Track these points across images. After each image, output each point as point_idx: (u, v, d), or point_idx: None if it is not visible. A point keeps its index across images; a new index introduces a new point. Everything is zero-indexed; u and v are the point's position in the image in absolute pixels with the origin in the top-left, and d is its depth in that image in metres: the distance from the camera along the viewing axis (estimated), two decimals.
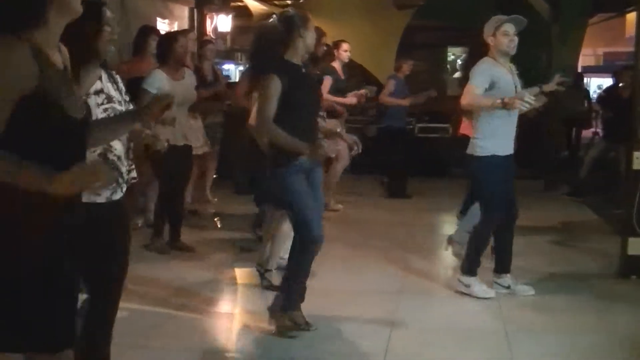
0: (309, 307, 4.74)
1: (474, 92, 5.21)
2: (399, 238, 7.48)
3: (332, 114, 8.22)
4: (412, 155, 10.31)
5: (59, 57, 2.42)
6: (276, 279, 5.43)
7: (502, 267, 5.62)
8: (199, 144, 7.24)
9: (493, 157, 5.30)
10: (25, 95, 2.23)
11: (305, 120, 4.59)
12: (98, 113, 3.40)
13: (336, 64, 8.59)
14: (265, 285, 5.54)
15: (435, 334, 4.77)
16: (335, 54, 8.56)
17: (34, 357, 2.40)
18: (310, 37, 4.59)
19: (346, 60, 8.75)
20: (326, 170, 8.63)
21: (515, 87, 5.41)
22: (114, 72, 3.67)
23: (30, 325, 2.31)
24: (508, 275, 5.60)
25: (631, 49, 8.82)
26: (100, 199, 3.42)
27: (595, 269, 6.41)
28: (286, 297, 4.65)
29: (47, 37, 2.33)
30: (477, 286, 5.47)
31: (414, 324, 4.93)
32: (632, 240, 6.00)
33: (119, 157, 3.52)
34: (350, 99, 8.55)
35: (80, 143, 2.50)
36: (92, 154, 3.32)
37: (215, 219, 8.29)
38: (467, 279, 5.50)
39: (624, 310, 5.32)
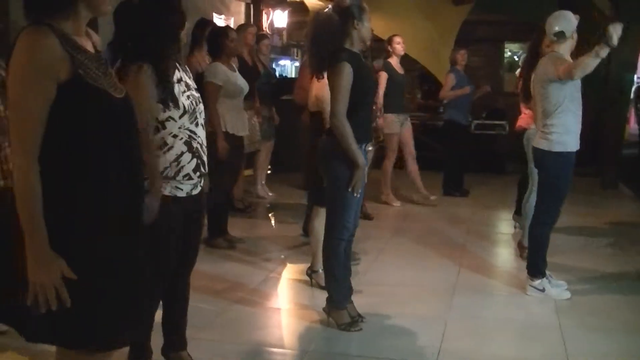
0: (363, 301, 4.75)
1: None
2: (454, 234, 7.45)
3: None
4: (469, 151, 10.19)
5: (89, 42, 2.44)
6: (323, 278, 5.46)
7: None
8: (249, 139, 7.19)
9: (569, 153, 5.22)
10: (63, 83, 2.26)
11: (366, 110, 4.53)
12: (183, 100, 3.42)
13: (393, 60, 8.57)
14: (314, 285, 5.52)
15: (489, 330, 4.74)
16: (390, 49, 8.54)
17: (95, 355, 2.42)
18: (365, 30, 4.46)
19: (402, 53, 8.70)
20: (379, 166, 8.67)
21: None
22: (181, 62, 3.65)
23: (100, 322, 2.35)
24: None
25: None
26: (181, 193, 3.47)
27: None
28: (337, 292, 4.63)
29: (75, 27, 2.36)
30: (552, 289, 5.36)
31: (468, 320, 4.92)
32: None
33: (201, 145, 3.50)
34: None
35: (128, 121, 2.50)
36: (179, 141, 3.39)
37: (270, 215, 8.34)
38: (538, 283, 5.37)
39: None
